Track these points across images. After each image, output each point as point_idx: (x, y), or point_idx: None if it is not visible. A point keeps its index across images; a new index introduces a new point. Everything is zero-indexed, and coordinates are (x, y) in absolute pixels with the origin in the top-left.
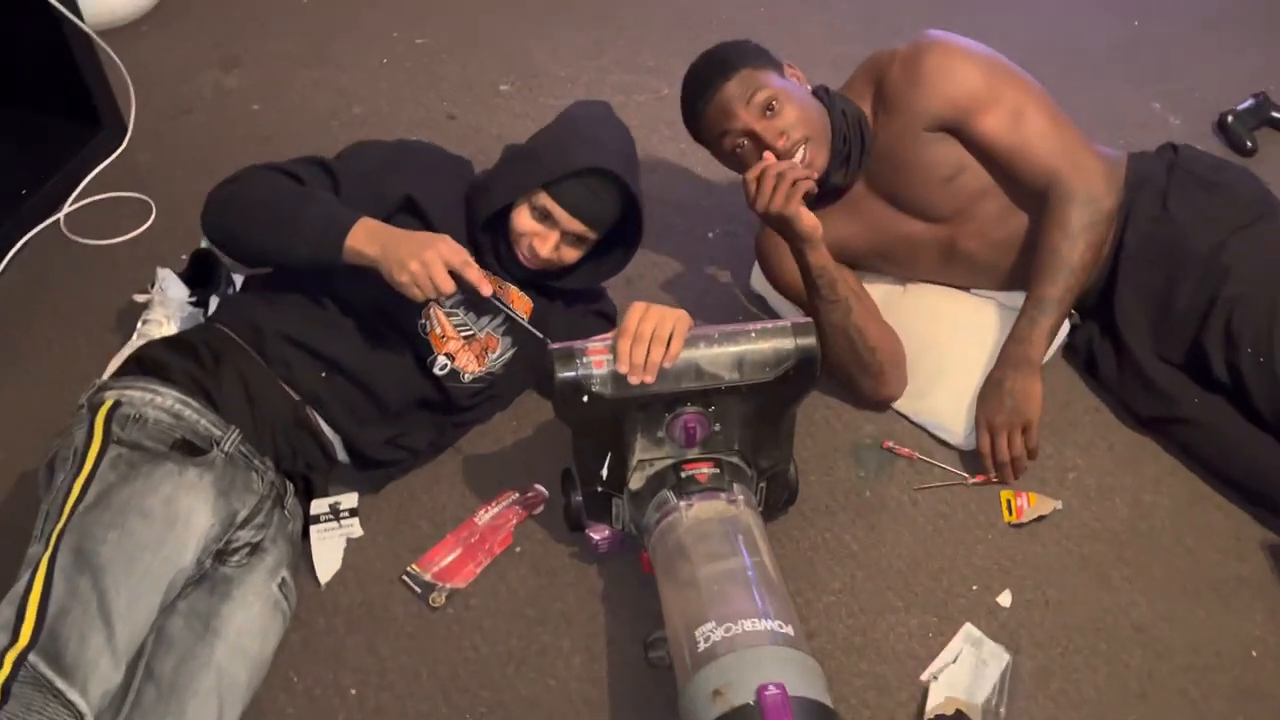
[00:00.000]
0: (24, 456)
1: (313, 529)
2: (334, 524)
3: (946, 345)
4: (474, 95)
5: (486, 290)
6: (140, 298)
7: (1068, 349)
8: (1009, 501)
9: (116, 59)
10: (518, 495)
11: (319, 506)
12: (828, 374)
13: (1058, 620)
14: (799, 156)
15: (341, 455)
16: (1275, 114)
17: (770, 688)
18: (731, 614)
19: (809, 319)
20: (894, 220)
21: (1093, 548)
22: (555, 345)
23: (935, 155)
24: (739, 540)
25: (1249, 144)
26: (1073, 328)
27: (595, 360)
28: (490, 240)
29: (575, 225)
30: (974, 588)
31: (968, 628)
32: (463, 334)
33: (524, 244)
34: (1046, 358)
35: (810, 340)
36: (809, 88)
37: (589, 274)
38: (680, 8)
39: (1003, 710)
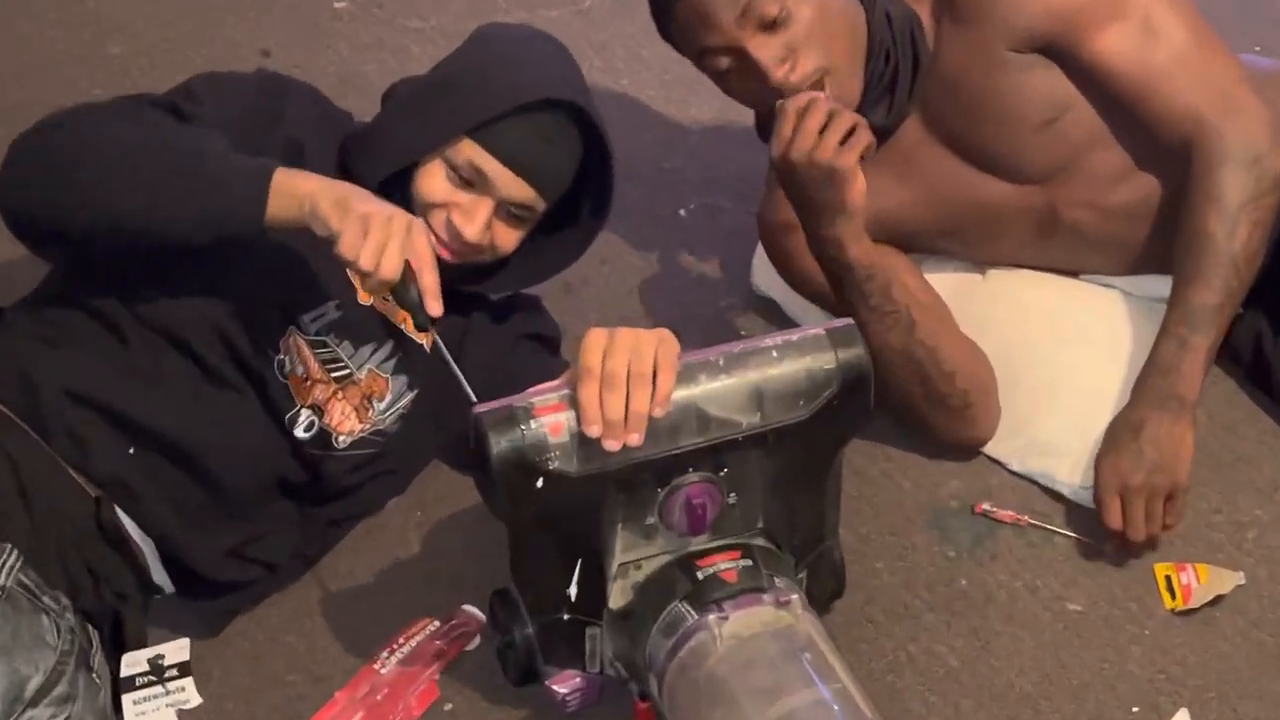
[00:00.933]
0: None
1: (125, 699)
2: (157, 689)
3: (1052, 355)
4: (297, 19)
5: (437, 310)
6: None
7: (1224, 349)
8: (1169, 578)
9: None
10: (437, 625)
11: (133, 663)
12: (886, 412)
13: None
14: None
15: (161, 577)
16: None
17: None
18: None
19: (850, 321)
20: (966, 180)
21: None
22: (484, 406)
23: (1027, 87)
24: (805, 662)
25: None
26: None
27: (550, 422)
28: None
29: (518, 188)
30: (1134, 709)
31: None
32: (334, 374)
33: (439, 222)
34: None
35: (857, 351)
36: None
37: (525, 269)
38: None
39: None
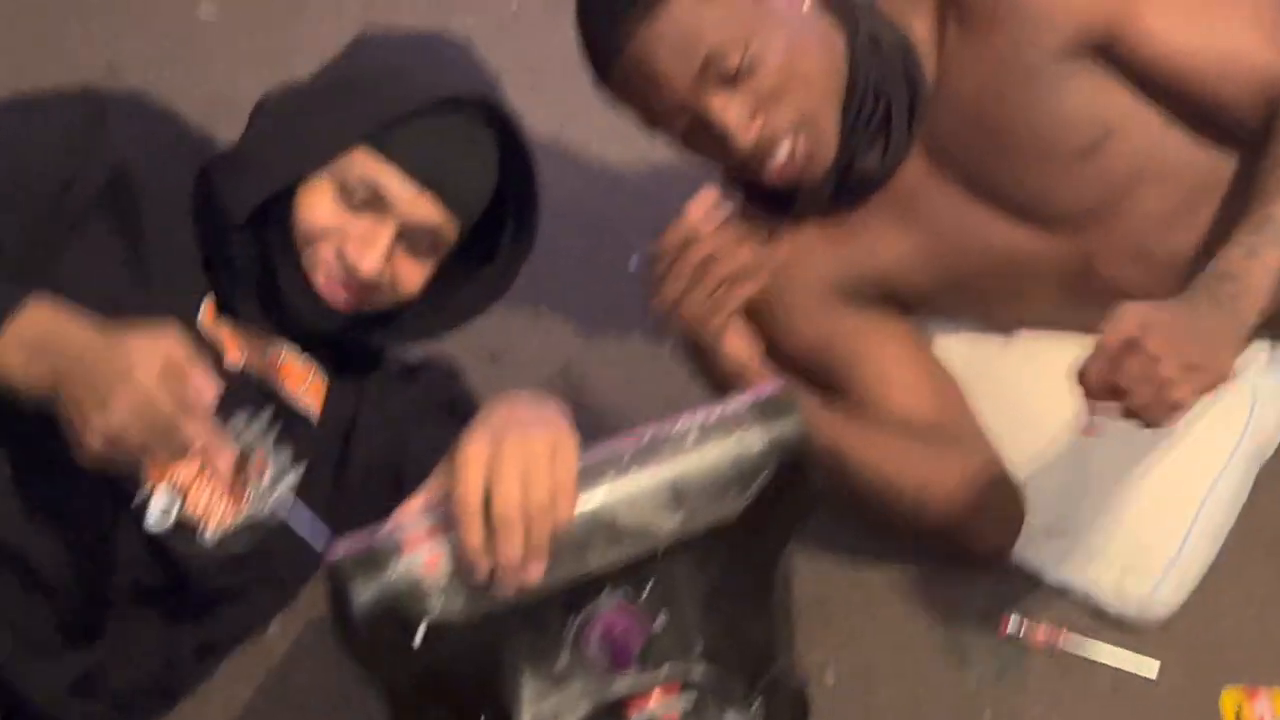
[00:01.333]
0: None
1: None
2: None
3: (1095, 440)
4: (155, 26)
5: (225, 463)
6: None
7: None
8: (1239, 711)
9: None
10: None
11: None
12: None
13: None
14: (782, 151)
15: None
16: None
17: None
18: None
19: (784, 383)
20: (983, 227)
21: None
22: (341, 547)
23: (1065, 105)
24: None
25: None
26: None
27: (424, 558)
28: (250, 261)
29: (426, 208)
30: None
31: None
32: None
33: (327, 254)
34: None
35: (793, 423)
36: (805, 4)
37: (433, 316)
38: None
39: None
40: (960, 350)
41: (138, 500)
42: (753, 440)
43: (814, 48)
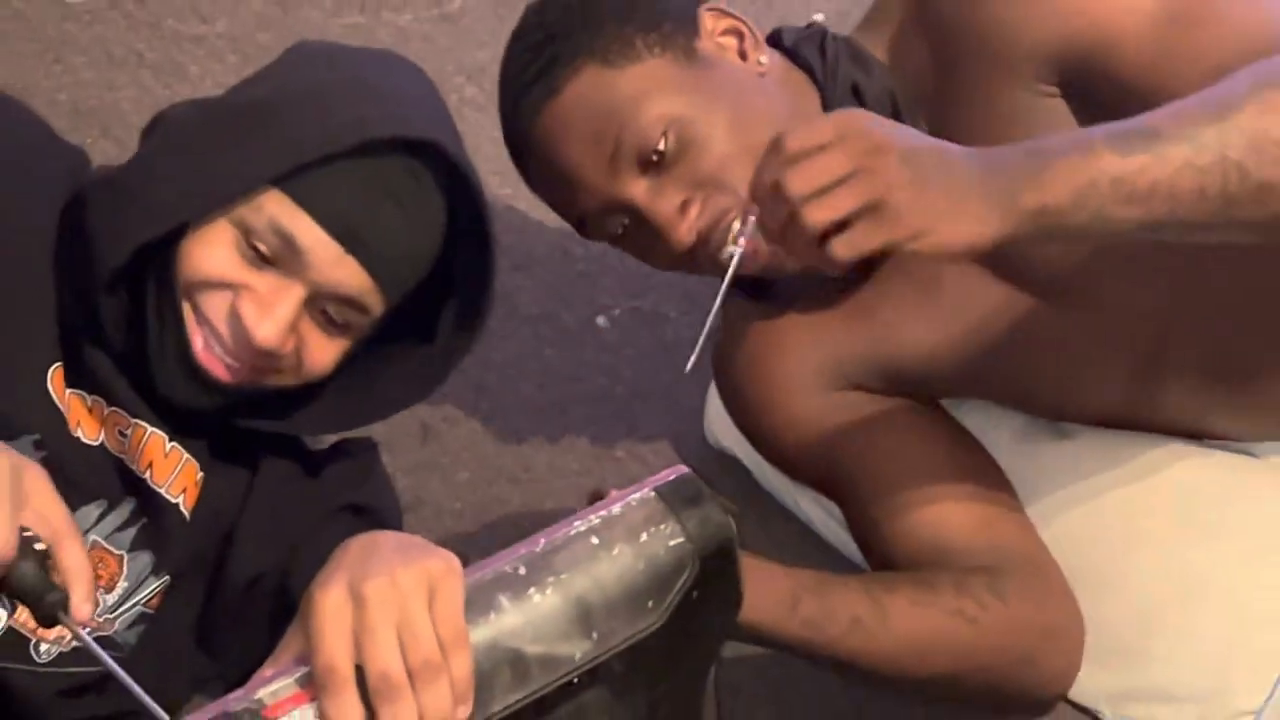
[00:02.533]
0: None
1: None
2: None
3: (1168, 556)
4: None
5: (85, 612)
6: None
7: None
8: None
9: None
10: None
11: None
12: None
13: None
14: (730, 253)
15: None
16: None
17: None
18: None
19: (681, 468)
20: (1018, 306)
21: None
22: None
23: None
24: None
25: None
26: None
27: None
28: (117, 318)
29: (346, 271)
30: None
31: None
32: (36, 546)
33: (216, 312)
34: None
35: (708, 510)
36: (761, 60)
37: (348, 402)
38: None
39: None
40: (1002, 446)
41: None
42: (667, 535)
43: (773, 112)
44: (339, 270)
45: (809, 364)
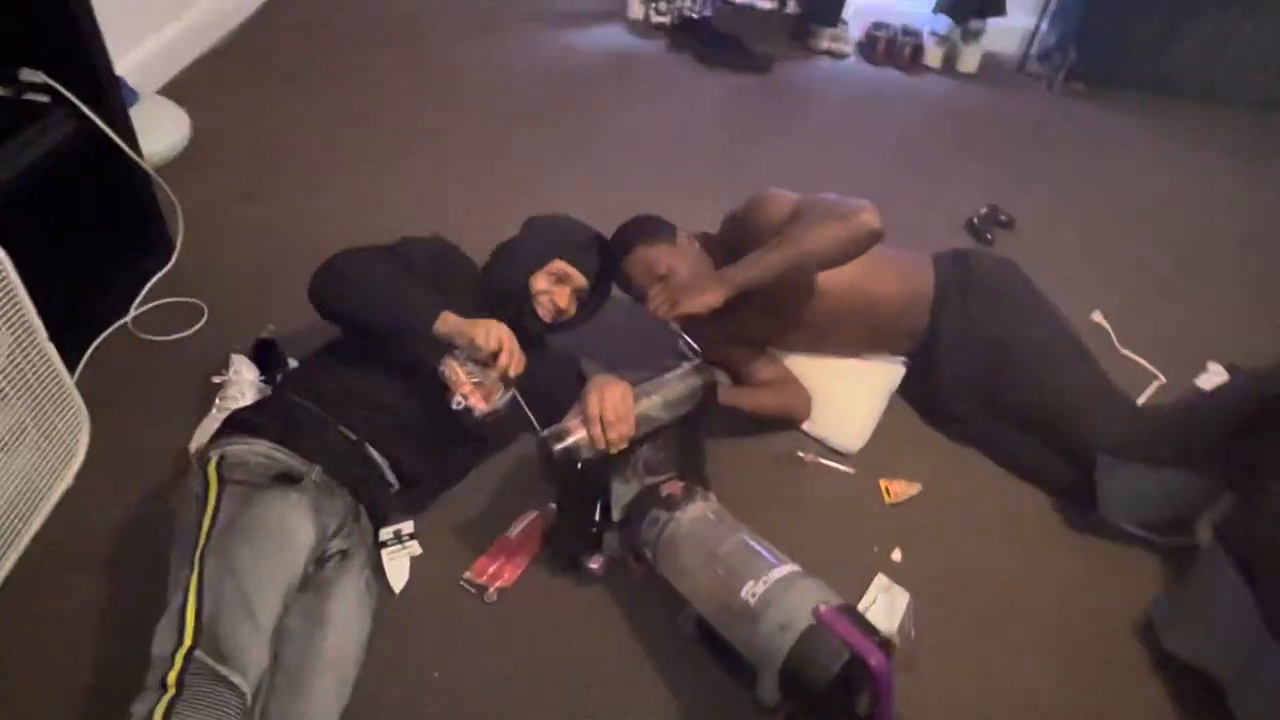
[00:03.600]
0: (133, 511)
1: (383, 552)
2: (399, 546)
3: (832, 382)
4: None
5: (518, 364)
6: (217, 379)
7: (904, 387)
8: (886, 487)
9: (168, 189)
10: (538, 512)
11: (386, 534)
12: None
13: (935, 568)
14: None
15: (392, 478)
16: (1002, 217)
17: (821, 606)
18: (759, 570)
19: (700, 362)
20: (771, 326)
21: (948, 515)
22: (545, 431)
23: (794, 283)
24: (730, 522)
25: (989, 236)
26: (907, 370)
27: (580, 437)
28: (504, 306)
29: (582, 282)
30: (874, 549)
31: (879, 577)
32: (472, 380)
33: (544, 301)
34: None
35: (709, 376)
36: (697, 244)
37: (574, 322)
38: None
39: (913, 632)
40: (790, 360)
41: (449, 399)
42: (695, 380)
43: (696, 262)
44: (579, 281)
45: (720, 334)
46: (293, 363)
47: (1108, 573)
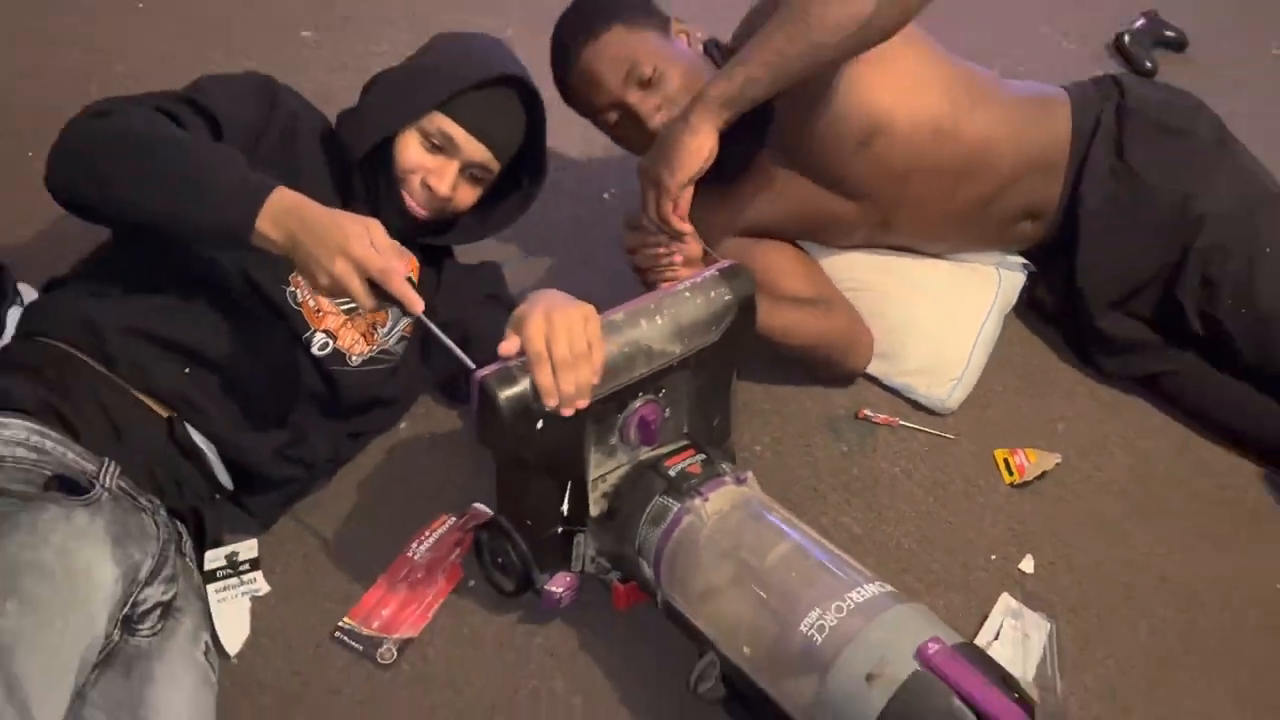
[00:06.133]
0: None
1: (209, 589)
2: (234, 580)
3: (911, 301)
4: (271, 44)
5: (417, 308)
6: None
7: (1030, 304)
8: (1006, 460)
9: None
10: (454, 519)
11: (214, 559)
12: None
13: (1085, 579)
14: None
15: (223, 476)
16: (1168, 33)
17: (930, 645)
18: (830, 593)
19: (734, 262)
20: (818, 199)
21: (1101, 500)
22: (483, 371)
23: (838, 106)
24: (776, 518)
25: (1148, 64)
26: (1030, 275)
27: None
28: (364, 186)
29: (479, 151)
30: (993, 557)
31: (1005, 599)
32: (342, 307)
33: (414, 182)
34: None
35: (743, 280)
36: (700, 46)
37: (477, 225)
38: None
39: (1059, 682)
40: (829, 261)
41: (305, 335)
42: (723, 293)
43: (698, 72)
44: (474, 151)
45: (721, 227)
46: (28, 292)
47: None
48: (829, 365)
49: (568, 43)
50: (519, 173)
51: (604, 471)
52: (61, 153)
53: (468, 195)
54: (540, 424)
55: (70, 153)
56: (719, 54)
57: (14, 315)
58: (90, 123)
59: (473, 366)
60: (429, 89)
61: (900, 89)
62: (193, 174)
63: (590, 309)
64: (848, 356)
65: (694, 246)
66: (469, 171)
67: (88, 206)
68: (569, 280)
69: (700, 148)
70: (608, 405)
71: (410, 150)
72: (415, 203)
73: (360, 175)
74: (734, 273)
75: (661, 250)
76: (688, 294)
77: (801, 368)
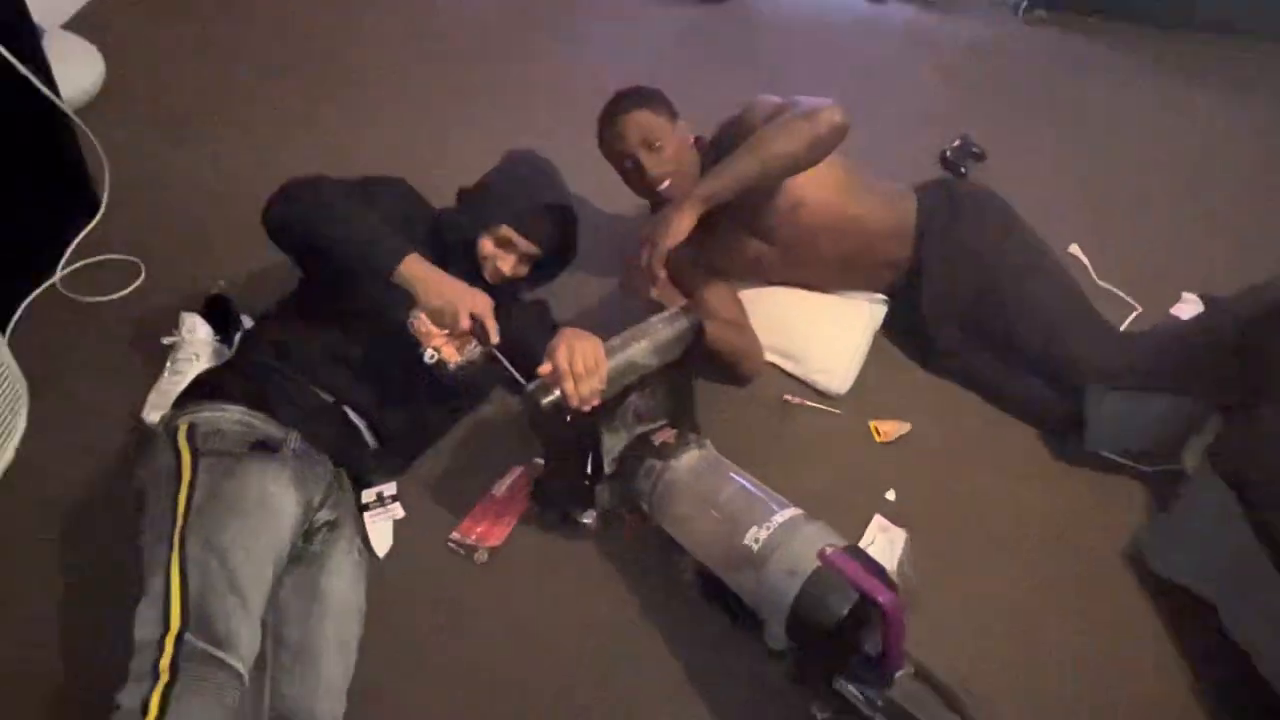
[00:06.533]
0: (80, 489)
1: (365, 515)
2: (382, 509)
3: (813, 321)
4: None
5: (495, 338)
6: (167, 340)
7: (890, 324)
8: (876, 427)
9: (90, 134)
10: (523, 468)
11: (368, 496)
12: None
13: (930, 505)
14: (665, 185)
15: (371, 441)
16: (975, 149)
17: (826, 548)
18: (761, 516)
19: (687, 303)
20: (751, 246)
21: (939, 452)
22: (530, 384)
23: (778, 190)
24: (726, 468)
25: (963, 170)
26: (889, 306)
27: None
28: (461, 269)
29: (531, 249)
30: (868, 491)
31: (877, 518)
32: (444, 332)
33: (488, 265)
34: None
35: (695, 318)
36: (691, 137)
37: (527, 285)
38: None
39: (910, 571)
40: (751, 292)
41: (419, 351)
42: (684, 325)
43: (685, 151)
44: (529, 249)
45: (685, 262)
46: (246, 321)
47: (1096, 502)
48: (735, 369)
49: (613, 111)
50: (555, 259)
51: (612, 444)
52: (284, 196)
53: (522, 270)
54: (568, 417)
55: (286, 200)
56: (700, 144)
57: (237, 338)
58: (302, 183)
59: (523, 382)
60: (500, 212)
61: (814, 178)
62: (366, 228)
63: (597, 340)
64: (746, 363)
65: (666, 288)
66: (526, 257)
67: (289, 237)
68: (585, 308)
69: (684, 228)
70: (615, 403)
71: (486, 246)
72: (488, 276)
73: (451, 253)
74: (687, 310)
75: (642, 288)
76: (660, 325)
77: (715, 371)
